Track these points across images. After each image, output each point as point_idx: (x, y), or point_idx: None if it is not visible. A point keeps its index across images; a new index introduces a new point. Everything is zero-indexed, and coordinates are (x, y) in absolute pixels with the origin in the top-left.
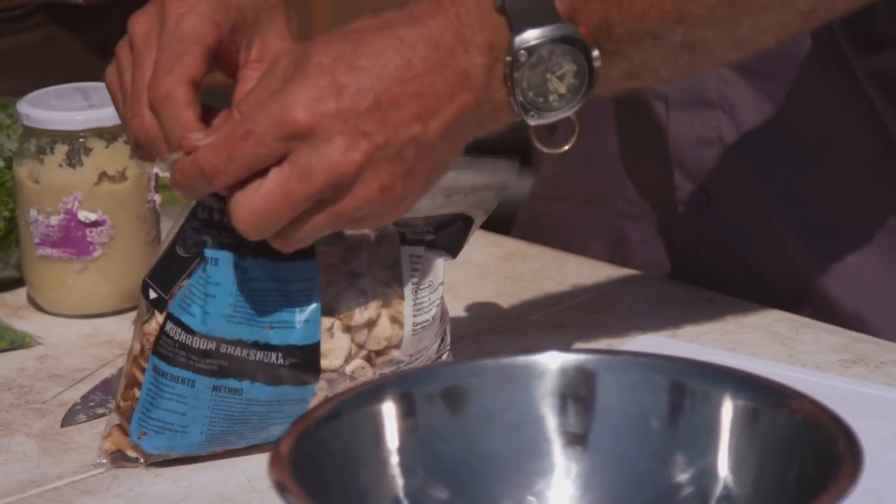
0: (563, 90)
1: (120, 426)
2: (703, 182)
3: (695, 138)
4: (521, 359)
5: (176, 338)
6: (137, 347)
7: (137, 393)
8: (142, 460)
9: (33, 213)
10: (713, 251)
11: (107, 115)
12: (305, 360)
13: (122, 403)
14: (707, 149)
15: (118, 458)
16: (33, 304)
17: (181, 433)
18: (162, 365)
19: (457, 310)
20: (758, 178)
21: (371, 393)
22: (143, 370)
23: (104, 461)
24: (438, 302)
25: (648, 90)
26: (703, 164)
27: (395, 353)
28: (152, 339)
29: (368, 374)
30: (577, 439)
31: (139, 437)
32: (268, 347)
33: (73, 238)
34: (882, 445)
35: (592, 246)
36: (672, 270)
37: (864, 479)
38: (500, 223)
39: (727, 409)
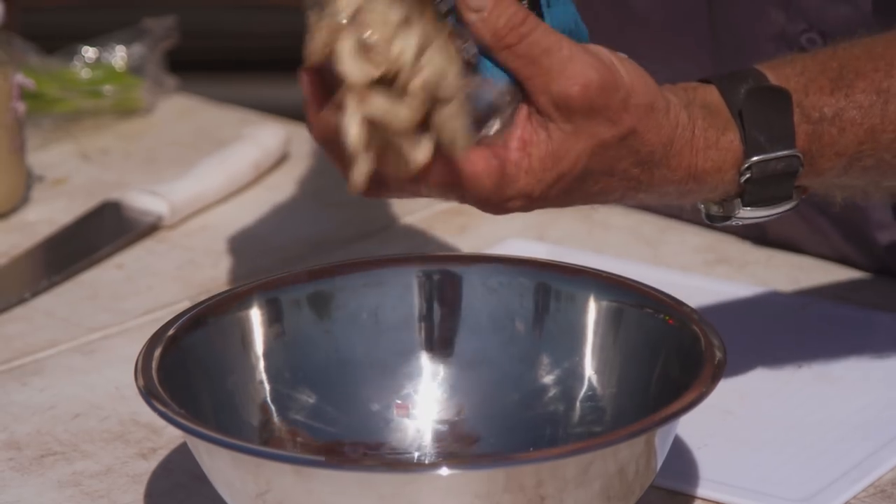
0: None
1: None
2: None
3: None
4: (388, 263)
5: None
6: None
7: None
8: None
9: None
10: None
11: None
12: None
13: None
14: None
15: None
16: None
17: None
18: None
19: (323, 216)
20: None
21: (237, 299)
22: None
23: None
24: None
25: None
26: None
27: None
28: None
29: None
30: (443, 343)
31: None
32: None
33: None
34: (746, 344)
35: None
36: None
37: (728, 378)
38: None
39: (592, 310)
